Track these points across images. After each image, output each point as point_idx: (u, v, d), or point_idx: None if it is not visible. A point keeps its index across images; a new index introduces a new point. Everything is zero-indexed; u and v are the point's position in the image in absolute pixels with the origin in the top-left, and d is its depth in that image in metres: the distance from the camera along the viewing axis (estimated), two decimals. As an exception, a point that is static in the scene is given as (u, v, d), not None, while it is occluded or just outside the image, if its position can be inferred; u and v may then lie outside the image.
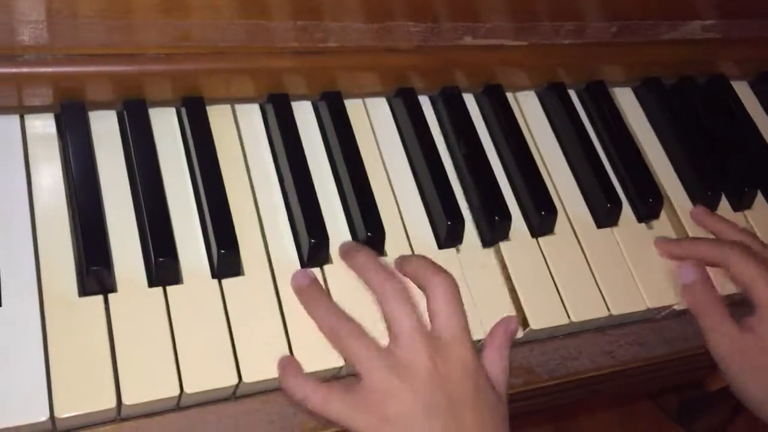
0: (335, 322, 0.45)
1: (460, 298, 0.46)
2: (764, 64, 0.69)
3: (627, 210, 0.59)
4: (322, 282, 0.48)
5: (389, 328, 0.45)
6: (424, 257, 0.49)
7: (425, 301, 0.47)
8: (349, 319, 0.46)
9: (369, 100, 0.57)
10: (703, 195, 0.60)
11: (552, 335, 0.54)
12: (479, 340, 0.49)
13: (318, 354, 0.46)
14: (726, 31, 0.63)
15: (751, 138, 0.65)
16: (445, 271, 0.47)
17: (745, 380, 0.54)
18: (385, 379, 0.44)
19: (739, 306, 0.56)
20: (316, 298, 0.46)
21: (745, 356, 0.53)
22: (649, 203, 0.58)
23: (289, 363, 0.45)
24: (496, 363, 0.47)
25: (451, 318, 0.46)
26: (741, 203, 0.61)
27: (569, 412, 1.48)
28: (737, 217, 0.61)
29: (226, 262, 0.46)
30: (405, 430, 0.43)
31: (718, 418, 1.58)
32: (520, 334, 0.51)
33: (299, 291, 0.47)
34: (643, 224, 0.58)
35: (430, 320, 0.46)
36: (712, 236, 0.58)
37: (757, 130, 0.66)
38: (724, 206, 0.61)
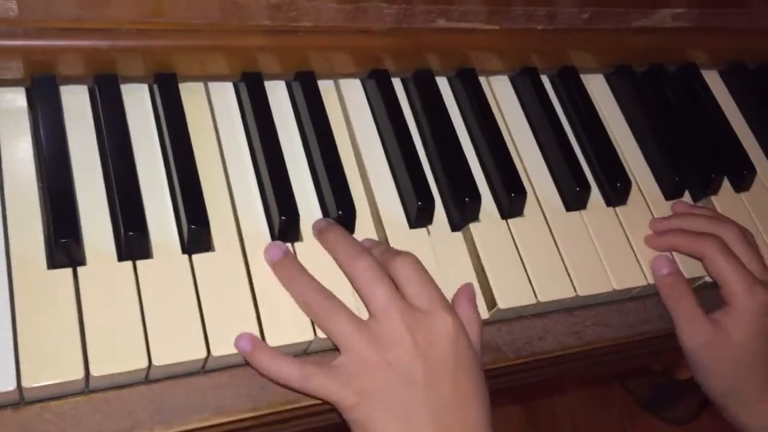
0: (313, 296, 0.46)
1: (426, 270, 0.47)
2: (734, 53, 0.70)
3: (596, 194, 0.60)
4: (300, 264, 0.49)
5: (367, 306, 0.46)
6: (384, 243, 0.49)
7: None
8: (327, 293, 0.46)
9: (342, 81, 0.58)
10: (670, 181, 0.61)
11: (520, 315, 0.55)
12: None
13: (288, 328, 0.46)
14: (696, 20, 0.64)
15: (718, 126, 0.66)
16: (404, 252, 0.48)
17: (709, 373, 0.56)
18: (364, 353, 0.44)
19: (704, 290, 0.58)
20: (292, 271, 0.47)
21: (712, 350, 0.55)
22: (617, 188, 0.59)
23: (258, 343, 0.45)
24: (469, 318, 0.48)
25: (423, 286, 0.46)
26: (707, 189, 0.62)
27: (539, 395, 1.50)
28: (704, 203, 0.63)
29: (196, 237, 0.46)
30: (384, 403, 0.44)
31: (689, 407, 1.61)
32: (486, 315, 0.52)
33: (274, 264, 0.47)
34: (611, 208, 0.59)
35: (403, 293, 0.46)
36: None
37: (725, 119, 0.67)
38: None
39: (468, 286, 0.51)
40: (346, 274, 0.47)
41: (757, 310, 0.54)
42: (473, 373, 0.46)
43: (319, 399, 0.45)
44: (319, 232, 0.49)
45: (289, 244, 0.49)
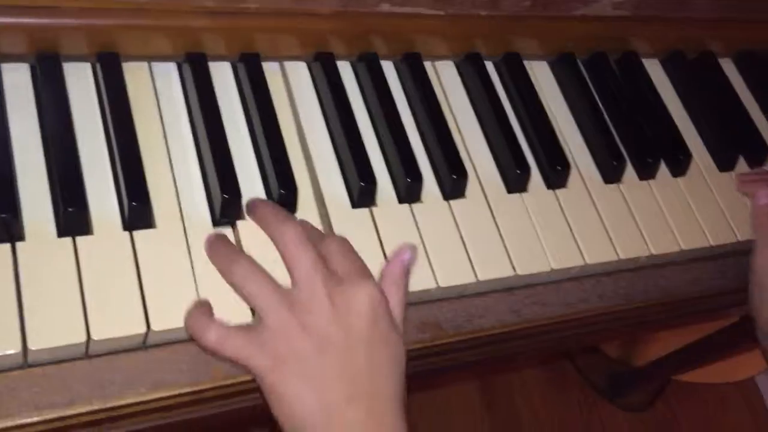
0: (232, 262, 0.46)
1: (352, 246, 0.48)
2: (674, 43, 0.72)
3: (537, 177, 0.61)
4: (234, 238, 0.50)
5: (290, 273, 0.47)
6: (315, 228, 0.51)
7: None
8: (248, 259, 0.47)
9: (288, 63, 0.58)
10: (609, 165, 0.63)
11: (461, 294, 0.56)
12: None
13: (227, 307, 0.47)
14: (636, 9, 0.66)
15: (657, 113, 0.68)
16: (334, 233, 0.49)
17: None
18: (281, 318, 0.45)
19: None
20: (215, 242, 0.48)
21: None
22: (557, 171, 0.61)
23: (199, 303, 0.46)
24: (392, 294, 0.48)
25: (347, 258, 0.47)
26: (645, 173, 0.64)
27: (499, 385, 1.52)
28: (642, 185, 0.64)
29: (136, 214, 0.47)
30: (298, 368, 0.44)
31: (645, 395, 1.65)
32: (428, 292, 0.53)
33: (207, 246, 0.48)
34: (552, 191, 0.61)
35: (329, 264, 0.47)
36: None
37: (664, 106, 0.69)
38: (629, 176, 0.64)
39: (404, 252, 0.50)
40: (275, 244, 0.48)
41: None
42: (390, 344, 0.46)
43: (236, 363, 0.45)
44: (250, 207, 0.50)
45: (230, 223, 0.50)
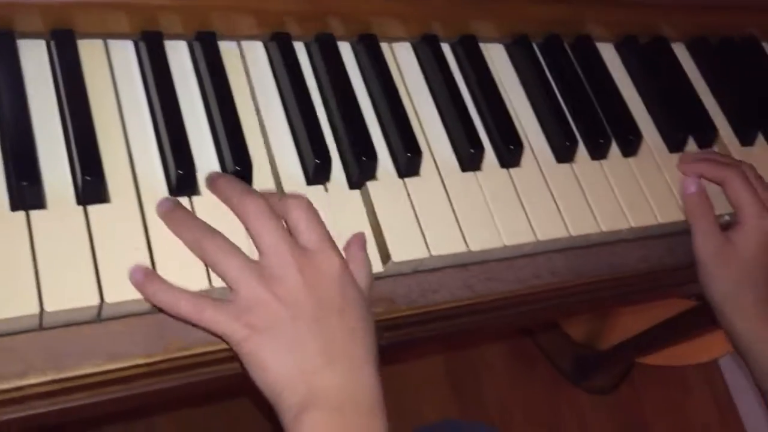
0: (201, 237, 0.47)
1: (318, 213, 0.49)
2: (627, 27, 0.74)
3: (491, 156, 0.63)
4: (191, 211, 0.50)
5: (256, 245, 0.48)
6: (275, 192, 0.52)
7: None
8: (216, 233, 0.48)
9: (245, 43, 0.59)
10: (561, 145, 0.65)
11: (416, 270, 0.57)
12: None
13: (184, 275, 0.48)
14: (590, -7, 0.68)
15: (609, 95, 0.70)
16: (299, 195, 0.50)
17: (714, 277, 0.64)
18: (253, 289, 0.46)
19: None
20: (181, 217, 0.48)
21: (720, 258, 0.64)
22: (510, 150, 0.62)
23: (149, 273, 0.46)
24: (359, 263, 0.51)
25: (311, 227, 0.49)
26: (597, 153, 0.66)
27: (466, 369, 1.54)
28: (594, 165, 0.66)
29: (90, 188, 0.47)
30: (273, 336, 0.46)
31: (610, 378, 1.68)
32: (381, 268, 0.54)
33: (164, 216, 0.49)
34: (505, 169, 0.62)
35: (293, 233, 0.48)
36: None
37: (616, 88, 0.71)
38: (581, 156, 0.66)
39: (360, 235, 0.53)
40: (238, 216, 0.49)
41: (762, 232, 0.63)
42: (359, 309, 0.48)
43: (212, 333, 0.47)
44: (210, 181, 0.51)
45: (186, 198, 0.51)
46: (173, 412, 1.29)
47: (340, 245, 0.52)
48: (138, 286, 0.46)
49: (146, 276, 0.46)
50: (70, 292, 0.45)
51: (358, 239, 0.53)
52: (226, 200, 0.50)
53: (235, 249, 0.47)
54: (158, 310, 0.47)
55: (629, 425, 1.64)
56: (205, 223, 0.48)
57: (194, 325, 0.47)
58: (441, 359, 1.55)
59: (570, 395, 1.63)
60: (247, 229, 0.49)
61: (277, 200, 0.50)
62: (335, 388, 0.46)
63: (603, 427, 1.61)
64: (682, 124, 0.70)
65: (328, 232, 0.49)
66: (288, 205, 0.49)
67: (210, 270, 0.48)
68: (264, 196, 0.50)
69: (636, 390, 1.69)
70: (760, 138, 0.75)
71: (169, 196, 0.49)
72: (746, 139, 0.73)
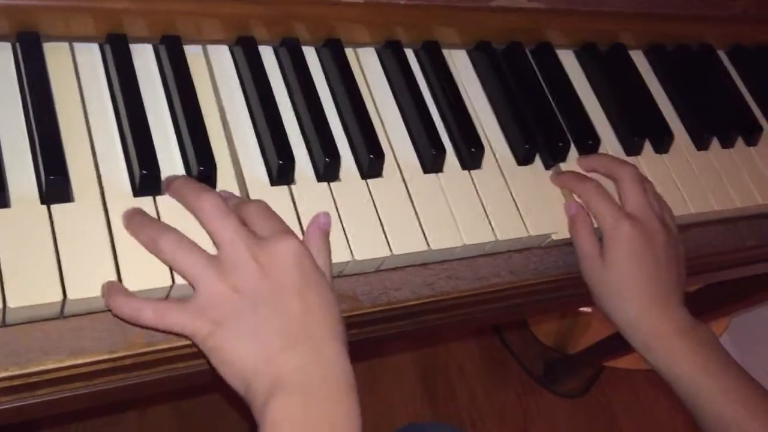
0: (157, 236, 0.48)
1: (271, 209, 0.51)
2: (587, 35, 0.76)
3: (453, 159, 0.64)
4: (155, 212, 0.51)
5: (214, 241, 0.49)
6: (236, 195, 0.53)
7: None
8: (174, 232, 0.48)
9: (211, 47, 0.60)
10: (521, 148, 0.66)
11: (378, 268, 0.59)
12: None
13: (147, 273, 0.49)
14: (550, 2, 0.70)
15: (569, 101, 0.72)
16: (254, 199, 0.52)
17: (599, 298, 0.63)
18: (212, 283, 0.47)
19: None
20: (138, 220, 0.49)
21: (595, 276, 0.62)
22: (471, 152, 0.64)
23: (114, 286, 0.47)
24: (319, 247, 0.52)
25: (267, 219, 0.50)
26: (556, 156, 0.68)
27: (439, 372, 1.56)
28: (553, 169, 0.68)
29: (54, 187, 0.48)
30: (236, 327, 0.46)
31: (580, 382, 1.71)
32: (347, 257, 0.55)
33: (126, 221, 0.49)
34: (467, 171, 0.64)
35: (250, 228, 0.49)
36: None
37: (576, 94, 0.73)
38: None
39: (317, 219, 0.53)
40: (194, 214, 0.50)
41: (622, 239, 0.61)
42: (319, 289, 0.49)
43: (177, 334, 0.47)
44: (167, 184, 0.52)
45: (150, 198, 0.52)
46: (144, 410, 1.29)
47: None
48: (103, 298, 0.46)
49: (109, 290, 0.46)
50: (34, 289, 0.45)
51: (316, 224, 0.53)
52: (182, 200, 0.51)
53: (193, 246, 0.48)
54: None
55: (599, 428, 1.66)
56: (161, 223, 0.49)
57: (161, 331, 0.48)
58: (412, 360, 1.56)
59: (540, 398, 1.65)
60: (204, 226, 0.49)
61: (233, 198, 0.51)
62: (299, 370, 0.46)
63: (573, 429, 1.63)
64: (640, 129, 0.72)
65: (282, 220, 0.50)
66: (246, 205, 0.51)
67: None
68: (220, 194, 0.52)
69: (606, 393, 1.72)
70: (715, 142, 0.77)
71: (133, 207, 0.50)
72: (701, 144, 0.76)
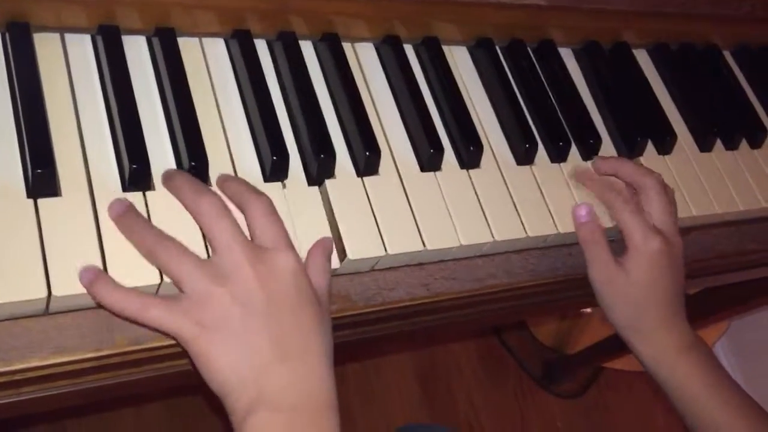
0: (151, 239, 0.47)
1: (277, 213, 0.49)
2: (589, 33, 0.75)
3: (451, 157, 0.63)
4: (144, 208, 0.50)
5: (210, 244, 0.48)
6: (242, 180, 0.51)
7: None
8: (166, 236, 0.47)
9: (206, 40, 0.59)
10: (521, 147, 0.65)
11: (373, 268, 0.58)
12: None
13: (134, 271, 0.47)
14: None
15: (570, 99, 0.71)
16: (261, 192, 0.50)
17: (612, 307, 0.63)
18: (203, 286, 0.46)
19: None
20: (133, 220, 0.48)
21: (613, 287, 0.62)
22: (470, 151, 0.63)
23: (99, 274, 0.46)
24: (320, 268, 0.51)
25: (269, 227, 0.48)
26: (557, 156, 0.67)
27: (437, 373, 1.55)
28: (553, 167, 0.67)
29: (40, 181, 0.47)
30: (224, 333, 0.45)
31: (578, 382, 1.70)
32: (337, 263, 0.54)
33: (117, 219, 0.48)
34: (465, 170, 0.63)
35: (251, 233, 0.48)
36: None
37: (578, 93, 0.72)
38: (541, 158, 0.67)
39: (323, 241, 0.53)
40: (192, 214, 0.49)
41: (650, 255, 0.61)
42: (313, 308, 0.48)
43: (161, 332, 0.46)
44: (165, 178, 0.51)
45: (140, 193, 0.50)
46: (140, 407, 1.29)
47: (300, 243, 0.52)
48: (86, 286, 0.45)
49: (95, 275, 0.45)
50: (18, 285, 0.44)
51: (321, 245, 0.52)
52: (180, 198, 0.49)
53: (186, 251, 0.47)
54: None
55: (597, 429, 1.65)
56: (155, 229, 0.48)
57: (143, 325, 0.47)
58: (410, 360, 1.55)
59: (539, 399, 1.64)
60: (201, 228, 0.48)
61: (242, 189, 0.50)
62: (284, 388, 0.46)
63: (571, 430, 1.62)
64: (642, 129, 0.71)
65: (285, 232, 0.49)
66: (248, 201, 0.49)
67: (161, 268, 0.48)
68: (230, 183, 0.51)
69: (604, 395, 1.71)
70: (719, 144, 0.76)
71: (121, 198, 0.49)
72: (704, 145, 0.75)
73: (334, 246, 0.54)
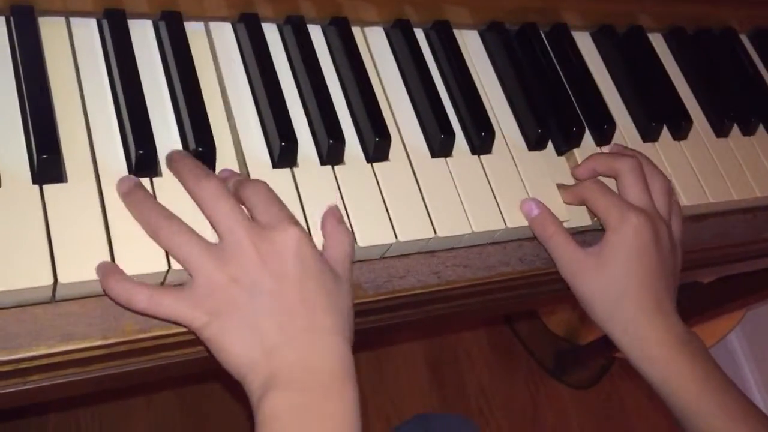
0: (160, 221, 0.46)
1: (274, 192, 0.49)
2: (604, 17, 0.73)
3: (462, 143, 0.62)
4: (151, 194, 0.49)
5: (213, 227, 0.47)
6: (239, 173, 0.51)
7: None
8: (175, 218, 0.47)
9: (213, 24, 0.58)
10: (534, 132, 0.64)
11: (383, 255, 0.57)
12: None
13: (142, 258, 0.47)
14: (565, -19, 0.67)
15: (584, 84, 0.70)
16: (255, 179, 0.49)
17: (590, 300, 0.59)
18: (211, 272, 0.45)
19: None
20: (141, 199, 0.47)
21: (586, 277, 0.58)
22: (482, 137, 0.61)
23: (110, 267, 0.45)
24: (335, 243, 0.50)
25: (269, 205, 0.48)
26: (569, 141, 0.65)
27: (448, 363, 1.54)
28: (566, 156, 0.66)
29: (46, 167, 0.46)
30: (233, 318, 0.45)
31: (590, 373, 1.69)
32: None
33: (124, 196, 0.48)
34: (476, 156, 0.62)
35: (252, 216, 0.48)
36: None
37: (591, 77, 0.70)
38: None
39: (330, 211, 0.52)
40: (194, 198, 0.48)
41: (628, 232, 0.56)
42: (322, 280, 0.47)
43: (172, 322, 0.46)
44: (169, 160, 0.50)
45: (147, 179, 0.50)
46: (152, 395, 1.29)
47: (307, 230, 0.52)
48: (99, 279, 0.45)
49: (102, 271, 0.45)
50: (24, 272, 0.44)
51: (330, 215, 0.51)
52: (183, 181, 0.49)
53: (193, 234, 0.46)
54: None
55: (609, 420, 1.64)
56: (163, 208, 0.47)
57: (155, 317, 0.46)
58: (421, 349, 1.55)
59: (550, 388, 1.63)
60: (203, 212, 0.48)
61: (237, 181, 0.49)
62: (291, 365, 0.45)
63: (583, 421, 1.61)
64: (657, 114, 0.70)
65: (286, 208, 0.49)
66: (247, 188, 0.48)
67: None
68: (228, 179, 0.50)
69: (616, 385, 1.70)
70: (735, 129, 0.75)
71: (130, 176, 0.48)
72: (721, 131, 0.73)
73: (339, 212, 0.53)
